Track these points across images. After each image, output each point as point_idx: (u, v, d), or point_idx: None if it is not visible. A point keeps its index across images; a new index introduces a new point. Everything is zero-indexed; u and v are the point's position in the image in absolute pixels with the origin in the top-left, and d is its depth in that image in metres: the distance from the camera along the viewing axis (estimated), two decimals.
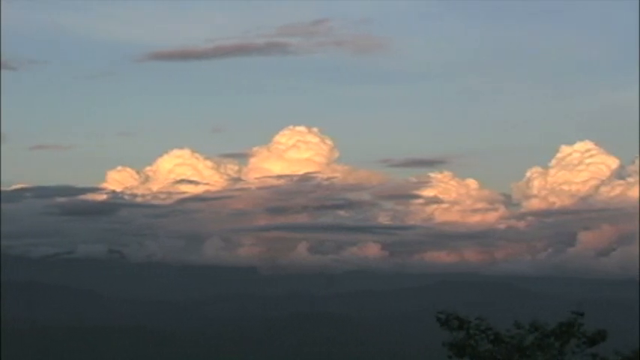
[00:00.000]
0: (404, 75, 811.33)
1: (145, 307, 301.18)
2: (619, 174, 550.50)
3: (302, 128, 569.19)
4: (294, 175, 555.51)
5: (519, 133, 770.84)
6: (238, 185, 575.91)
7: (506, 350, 30.97)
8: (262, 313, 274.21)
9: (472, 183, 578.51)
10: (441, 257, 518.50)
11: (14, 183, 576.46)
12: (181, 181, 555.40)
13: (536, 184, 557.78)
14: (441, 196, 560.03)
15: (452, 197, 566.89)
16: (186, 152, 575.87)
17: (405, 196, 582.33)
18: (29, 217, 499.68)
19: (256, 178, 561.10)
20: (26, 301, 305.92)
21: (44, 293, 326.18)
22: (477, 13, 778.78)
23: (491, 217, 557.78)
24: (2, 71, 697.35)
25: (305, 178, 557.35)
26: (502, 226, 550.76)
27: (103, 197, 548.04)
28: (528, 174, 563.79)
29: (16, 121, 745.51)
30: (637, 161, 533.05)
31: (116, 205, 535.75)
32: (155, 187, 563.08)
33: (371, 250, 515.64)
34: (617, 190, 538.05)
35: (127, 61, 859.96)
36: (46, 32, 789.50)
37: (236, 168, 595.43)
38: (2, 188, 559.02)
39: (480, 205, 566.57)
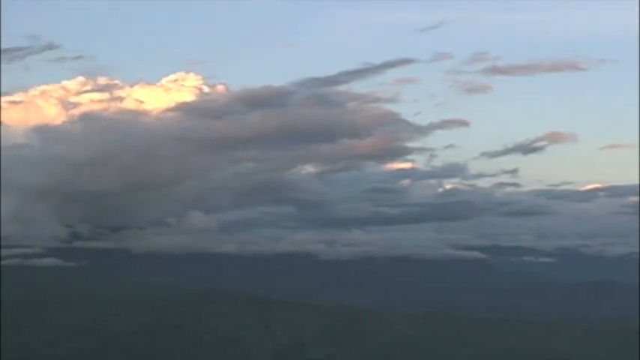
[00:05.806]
0: None
1: None
2: None
3: None
4: None
5: None
6: None
7: None
8: None
9: None
10: None
11: (588, 183, 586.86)
12: None
13: None
14: None
15: None
16: None
17: None
18: (603, 217, 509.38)
19: None
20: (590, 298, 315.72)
21: (620, 292, 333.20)
22: None
23: None
24: (573, 73, 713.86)
25: None
26: None
27: None
28: None
29: (587, 122, 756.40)
30: None
31: None
32: None
33: None
34: None
35: None
36: (616, 33, 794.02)
37: None
38: (575, 187, 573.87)
39: None
